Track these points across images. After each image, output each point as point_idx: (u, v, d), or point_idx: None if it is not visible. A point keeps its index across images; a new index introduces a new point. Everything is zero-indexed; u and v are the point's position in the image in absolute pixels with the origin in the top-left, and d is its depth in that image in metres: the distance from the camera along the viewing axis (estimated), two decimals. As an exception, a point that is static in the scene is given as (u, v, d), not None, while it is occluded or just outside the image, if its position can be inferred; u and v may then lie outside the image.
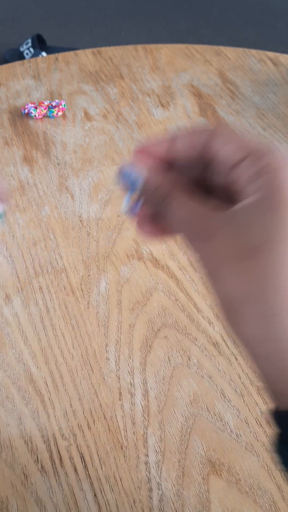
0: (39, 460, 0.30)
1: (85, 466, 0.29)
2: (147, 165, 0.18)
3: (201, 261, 0.16)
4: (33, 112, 0.52)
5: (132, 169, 0.18)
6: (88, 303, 0.37)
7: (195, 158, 0.18)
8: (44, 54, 1.24)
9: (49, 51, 1.26)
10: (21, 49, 1.26)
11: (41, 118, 0.52)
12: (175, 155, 0.18)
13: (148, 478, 0.29)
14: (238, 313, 0.15)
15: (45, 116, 0.52)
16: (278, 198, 0.14)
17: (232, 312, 0.15)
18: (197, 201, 0.16)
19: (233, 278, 0.15)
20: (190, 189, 0.17)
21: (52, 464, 0.30)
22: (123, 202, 0.18)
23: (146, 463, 0.30)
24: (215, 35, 1.41)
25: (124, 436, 0.31)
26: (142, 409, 0.32)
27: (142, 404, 0.32)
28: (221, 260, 0.15)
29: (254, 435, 0.31)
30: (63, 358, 0.34)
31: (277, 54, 0.62)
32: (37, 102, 0.53)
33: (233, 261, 0.15)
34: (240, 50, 0.62)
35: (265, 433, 0.31)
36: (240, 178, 0.16)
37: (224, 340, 0.35)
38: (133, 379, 0.33)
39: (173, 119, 0.52)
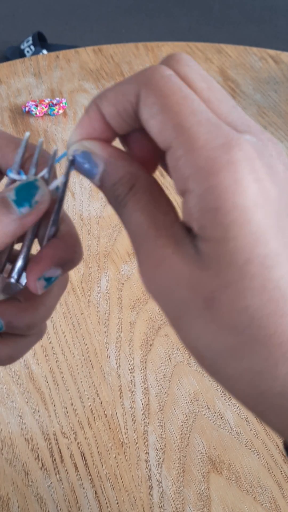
0: (39, 458, 0.30)
1: (86, 464, 0.30)
2: (104, 150, 0.13)
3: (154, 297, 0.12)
4: (34, 110, 0.52)
5: (86, 157, 0.13)
6: (88, 301, 0.37)
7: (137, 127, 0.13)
8: (45, 51, 1.24)
9: (50, 48, 1.26)
10: (22, 46, 1.26)
11: (41, 116, 0.52)
12: (113, 127, 0.13)
13: (148, 475, 0.29)
14: (224, 370, 0.12)
15: (45, 114, 0.52)
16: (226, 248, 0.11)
17: (215, 368, 0.12)
18: (157, 209, 0.12)
19: (203, 328, 0.11)
20: (155, 187, 0.13)
21: (52, 461, 0.30)
22: (58, 179, 0.15)
23: (147, 461, 0.30)
24: (216, 33, 1.41)
25: (125, 434, 0.31)
26: (143, 407, 0.32)
27: (143, 402, 0.32)
28: (180, 304, 0.12)
29: (255, 433, 0.31)
30: (64, 356, 0.34)
31: (278, 52, 0.61)
32: (37, 100, 0.53)
33: (197, 308, 0.11)
34: (241, 48, 0.62)
35: (265, 431, 0.31)
36: (184, 196, 0.12)
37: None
38: (133, 377, 0.33)
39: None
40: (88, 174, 0.14)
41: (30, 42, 1.24)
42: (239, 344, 0.11)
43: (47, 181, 0.15)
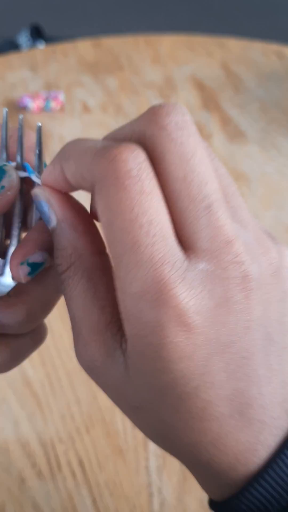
0: (36, 464, 0.29)
1: (84, 471, 0.29)
2: (60, 210, 0.13)
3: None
4: (30, 105, 0.50)
5: (44, 207, 0.13)
6: (86, 303, 0.36)
7: None
8: (42, 44, 1.22)
9: (47, 41, 1.24)
10: (19, 39, 1.24)
11: (38, 112, 0.51)
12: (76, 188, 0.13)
13: (148, 482, 0.28)
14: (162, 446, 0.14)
15: (42, 110, 0.51)
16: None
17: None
18: (93, 304, 0.12)
19: (134, 421, 0.13)
20: (96, 273, 0.12)
21: (49, 468, 0.29)
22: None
23: (147, 467, 0.29)
24: (217, 26, 1.39)
25: (124, 440, 0.30)
26: (142, 412, 0.31)
27: (142, 407, 0.31)
28: (113, 399, 0.13)
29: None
30: (61, 359, 0.33)
31: (281, 47, 0.60)
32: (33, 93, 0.51)
33: (126, 409, 0.13)
34: (243, 42, 0.61)
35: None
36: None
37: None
38: (133, 381, 0.32)
39: (174, 113, 0.51)
40: (44, 218, 0.13)
41: (27, 34, 1.22)
42: (161, 438, 0.13)
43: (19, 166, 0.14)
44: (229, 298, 0.11)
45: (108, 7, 1.45)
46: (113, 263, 0.11)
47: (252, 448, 0.13)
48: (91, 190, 0.12)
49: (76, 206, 0.13)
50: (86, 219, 0.13)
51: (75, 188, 0.13)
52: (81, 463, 0.29)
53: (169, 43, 0.60)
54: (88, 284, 0.12)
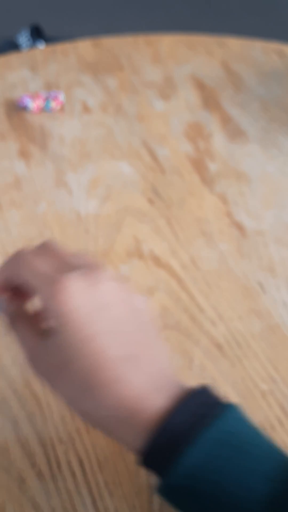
0: (36, 464, 0.29)
1: (84, 471, 0.29)
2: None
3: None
4: (29, 105, 0.50)
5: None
6: (86, 303, 0.36)
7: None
8: (42, 44, 1.22)
9: (47, 41, 1.24)
10: (18, 39, 1.24)
11: (38, 112, 0.51)
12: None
13: (148, 483, 0.28)
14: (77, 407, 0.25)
15: (42, 110, 0.51)
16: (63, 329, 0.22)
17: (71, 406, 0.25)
18: (30, 327, 0.25)
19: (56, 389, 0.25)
20: (26, 314, 0.26)
21: (49, 468, 0.29)
22: None
23: (147, 467, 0.29)
24: (217, 25, 1.39)
25: (124, 440, 0.30)
26: (142, 412, 0.31)
27: (142, 407, 0.31)
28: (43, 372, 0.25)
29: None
30: (61, 359, 0.33)
31: (282, 45, 0.60)
32: (33, 93, 0.51)
33: (48, 371, 0.24)
34: (243, 41, 0.60)
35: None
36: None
37: (227, 342, 0.35)
38: (133, 381, 0.32)
39: (174, 112, 0.51)
40: None
41: (27, 35, 1.22)
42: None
43: None
44: (94, 283, 0.23)
45: (108, 7, 1.45)
46: (37, 290, 0.23)
47: (152, 390, 0.22)
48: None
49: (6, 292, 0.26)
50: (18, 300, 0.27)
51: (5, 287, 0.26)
52: (81, 463, 0.29)
53: (169, 43, 0.60)
54: (25, 320, 0.26)
